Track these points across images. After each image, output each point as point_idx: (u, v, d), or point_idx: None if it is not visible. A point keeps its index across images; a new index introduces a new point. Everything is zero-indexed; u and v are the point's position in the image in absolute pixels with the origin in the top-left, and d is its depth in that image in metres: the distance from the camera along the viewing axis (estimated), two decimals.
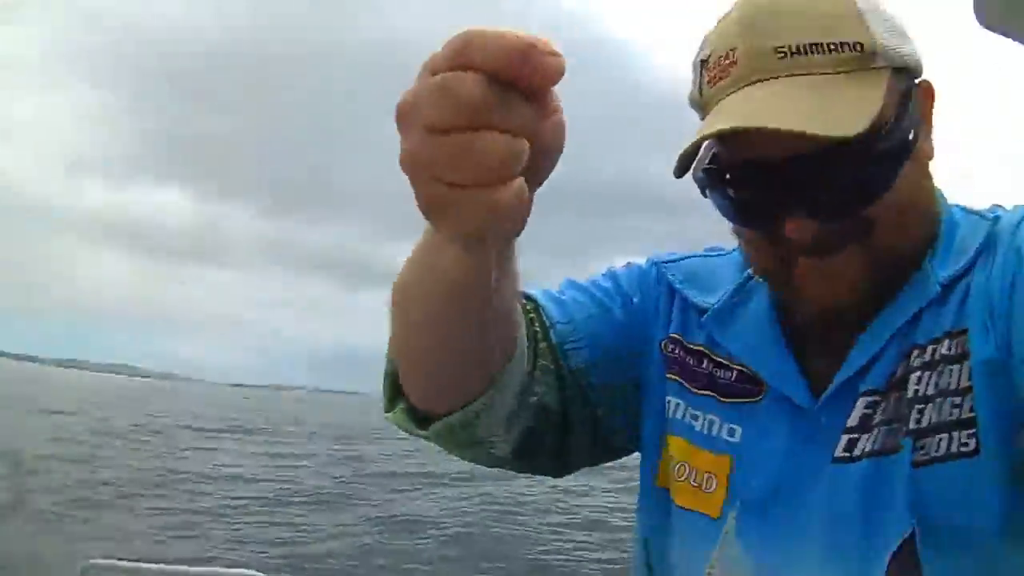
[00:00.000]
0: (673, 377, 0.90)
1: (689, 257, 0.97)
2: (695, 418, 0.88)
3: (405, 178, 0.50)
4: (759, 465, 0.83)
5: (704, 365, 0.89)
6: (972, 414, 0.73)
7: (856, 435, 0.78)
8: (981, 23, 0.45)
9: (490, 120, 0.44)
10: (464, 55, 0.44)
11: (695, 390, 0.89)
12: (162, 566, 2.14)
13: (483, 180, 0.45)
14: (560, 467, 0.94)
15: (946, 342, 0.76)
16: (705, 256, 0.97)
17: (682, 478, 0.88)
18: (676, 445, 0.89)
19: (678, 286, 0.93)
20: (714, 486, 0.85)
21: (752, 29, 0.73)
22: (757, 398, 0.85)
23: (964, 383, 0.74)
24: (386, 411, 0.77)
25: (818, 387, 0.82)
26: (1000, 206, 0.82)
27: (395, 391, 0.76)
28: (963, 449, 0.72)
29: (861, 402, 0.79)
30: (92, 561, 2.05)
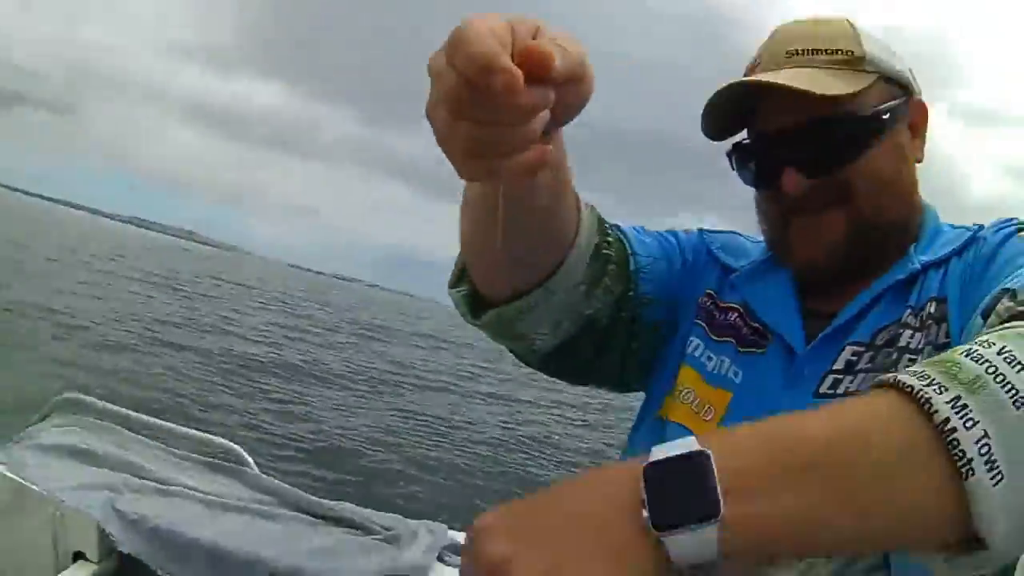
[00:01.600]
0: (700, 323, 1.02)
1: (726, 232, 1.13)
2: (709, 359, 0.98)
3: None
4: (752, 405, 0.91)
5: (729, 317, 1.00)
6: None
7: (840, 376, 0.87)
8: None
9: (469, 114, 0.51)
10: (449, 55, 0.50)
11: (716, 337, 1.00)
12: (133, 413, 2.11)
13: (471, 154, 0.53)
14: (580, 378, 1.07)
15: (932, 304, 0.86)
16: (738, 235, 1.13)
17: (685, 401, 0.97)
18: (687, 374, 0.99)
19: (715, 251, 1.08)
20: (711, 415, 0.93)
21: (773, 41, 0.96)
22: (763, 349, 0.96)
23: (943, 340, 0.83)
24: (450, 287, 0.94)
25: (812, 340, 0.93)
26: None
27: (461, 276, 0.93)
28: None
29: (847, 350, 0.88)
30: (66, 395, 2.04)
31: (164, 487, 1.83)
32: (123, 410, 2.09)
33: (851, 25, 0.94)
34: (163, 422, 2.14)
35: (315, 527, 1.83)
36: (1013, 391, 0.51)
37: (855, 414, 0.52)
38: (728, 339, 0.98)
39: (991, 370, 0.51)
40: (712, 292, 1.04)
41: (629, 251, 0.99)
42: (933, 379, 0.51)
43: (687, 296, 1.05)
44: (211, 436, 2.11)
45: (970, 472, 0.48)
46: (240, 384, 10.94)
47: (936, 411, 0.49)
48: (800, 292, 0.98)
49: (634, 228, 1.05)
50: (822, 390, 0.86)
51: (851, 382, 0.85)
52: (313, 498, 1.95)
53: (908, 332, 0.85)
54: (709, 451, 0.48)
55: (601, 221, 0.96)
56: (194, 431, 2.08)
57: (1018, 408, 0.50)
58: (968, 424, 0.49)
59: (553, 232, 0.86)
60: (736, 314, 1.00)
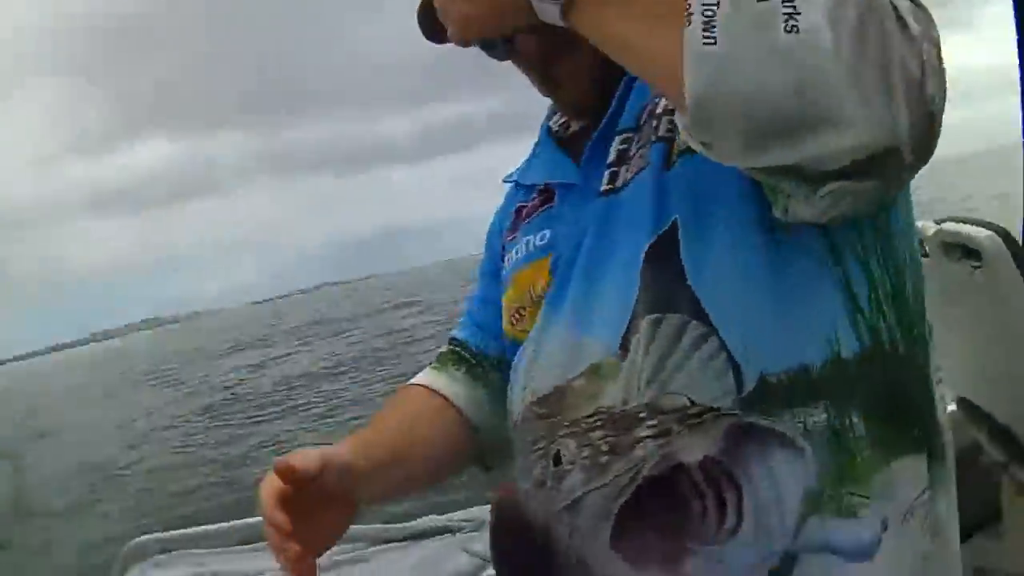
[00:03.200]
0: (503, 252, 1.02)
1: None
2: (516, 253, 0.97)
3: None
4: (567, 247, 0.87)
5: (518, 217, 1.00)
6: None
7: (616, 168, 0.85)
8: None
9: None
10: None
11: (509, 238, 1.00)
12: (191, 530, 2.19)
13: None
14: None
15: None
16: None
17: (514, 320, 0.95)
18: (505, 298, 0.97)
19: (509, 184, 1.07)
20: (540, 289, 0.89)
21: None
22: (553, 202, 0.94)
23: None
24: None
25: None
26: None
27: None
28: None
29: (616, 141, 0.86)
30: (132, 544, 2.11)
31: None
32: (186, 531, 2.19)
33: None
34: (220, 525, 2.22)
35: (404, 548, 1.94)
36: None
37: None
38: (516, 230, 0.99)
39: None
40: (505, 230, 1.04)
41: (474, 350, 1.05)
42: None
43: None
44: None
45: (688, 23, 0.55)
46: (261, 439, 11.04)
47: None
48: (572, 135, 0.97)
49: (467, 315, 1.09)
50: (603, 188, 0.85)
51: (626, 171, 0.83)
52: (391, 525, 2.05)
53: (663, 99, 0.82)
54: None
55: (476, 377, 1.04)
56: (252, 520, 2.13)
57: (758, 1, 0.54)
58: None
59: (453, 466, 1.06)
60: (521, 210, 1.00)
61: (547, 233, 0.93)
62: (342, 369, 17.23)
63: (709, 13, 0.55)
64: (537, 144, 1.04)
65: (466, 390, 1.04)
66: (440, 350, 1.10)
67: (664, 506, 0.74)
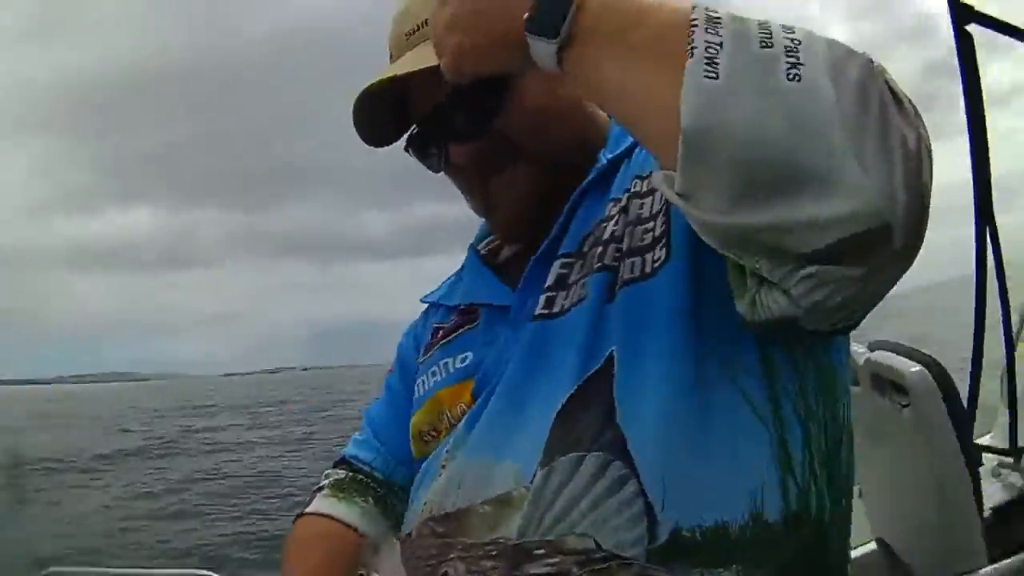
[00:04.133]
0: (416, 373, 0.96)
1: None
2: (432, 375, 0.91)
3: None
4: (493, 370, 0.82)
5: (434, 338, 0.96)
6: (663, 227, 0.74)
7: (553, 293, 0.80)
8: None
9: None
10: None
11: (423, 358, 0.95)
12: (111, 570, 2.17)
13: None
14: None
15: (636, 182, 0.81)
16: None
17: (426, 440, 0.89)
18: (416, 418, 0.91)
19: (428, 303, 1.04)
20: (460, 412, 0.84)
21: (393, 28, 0.89)
22: (475, 323, 0.90)
23: (656, 208, 0.76)
24: None
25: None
26: None
27: None
28: (655, 265, 0.73)
29: (556, 265, 0.82)
30: (54, 569, 2.06)
31: None
32: (97, 570, 2.18)
33: None
34: (140, 570, 2.18)
35: None
36: (767, 35, 0.54)
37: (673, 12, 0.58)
38: (433, 348, 0.94)
39: (762, 24, 0.55)
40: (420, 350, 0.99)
41: (370, 472, 0.99)
42: (716, 13, 0.56)
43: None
44: (187, 571, 2.18)
45: (691, 55, 0.53)
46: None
47: (695, 18, 0.55)
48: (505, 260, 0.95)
49: (358, 437, 1.03)
50: (537, 312, 0.79)
51: (565, 297, 0.78)
52: None
53: (612, 222, 0.79)
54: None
55: (386, 511, 0.96)
56: (171, 571, 2.16)
57: (761, 46, 0.53)
58: (710, 30, 0.54)
59: None
60: (438, 331, 0.95)
61: (469, 355, 0.88)
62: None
63: (712, 51, 0.53)
64: (462, 267, 1.00)
65: (379, 527, 0.95)
66: (336, 472, 1.01)
67: None
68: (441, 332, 0.95)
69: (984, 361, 2.22)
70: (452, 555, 0.73)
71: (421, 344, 0.99)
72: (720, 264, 0.65)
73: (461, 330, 0.91)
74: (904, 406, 1.55)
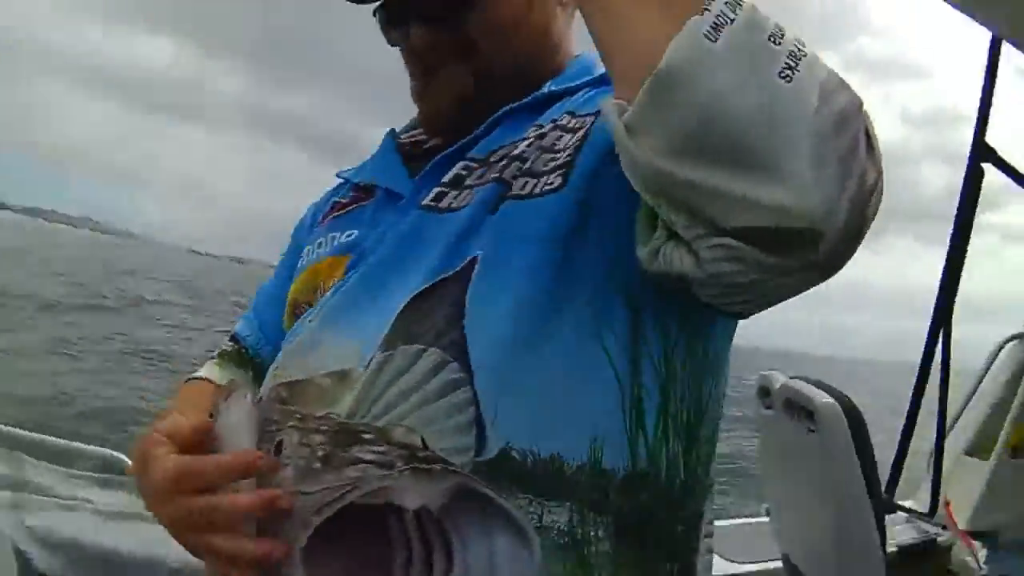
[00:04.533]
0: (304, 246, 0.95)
1: None
2: (318, 246, 0.91)
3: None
4: (368, 250, 0.81)
5: (331, 210, 0.95)
6: (569, 158, 0.73)
7: (446, 190, 0.79)
8: None
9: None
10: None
11: (316, 230, 0.95)
12: (24, 433, 2.21)
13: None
14: None
15: (566, 117, 0.79)
16: None
17: (298, 313, 0.87)
18: (294, 287, 0.90)
19: (341, 178, 1.00)
20: (331, 285, 0.83)
21: None
22: (367, 202, 0.90)
23: (571, 143, 0.75)
24: None
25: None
26: None
27: None
28: (545, 188, 0.72)
29: (458, 165, 0.80)
30: None
31: (65, 502, 1.93)
32: (13, 431, 2.16)
33: None
34: (55, 439, 2.24)
35: None
36: (779, 35, 0.54)
37: None
38: (325, 222, 0.94)
39: (780, 26, 0.55)
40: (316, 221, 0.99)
41: (248, 352, 1.00)
42: None
43: None
44: (93, 448, 2.20)
45: (701, 13, 0.53)
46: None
47: None
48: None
49: (258, 320, 1.02)
50: (425, 202, 0.79)
51: (455, 196, 0.77)
52: None
53: (525, 142, 0.78)
54: None
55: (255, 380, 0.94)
56: (85, 446, 2.26)
57: (768, 39, 0.53)
58: (730, 4, 0.53)
59: None
60: (335, 206, 0.95)
61: (355, 233, 0.87)
62: None
63: (722, 20, 0.53)
64: (378, 148, 0.99)
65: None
66: (226, 345, 1.03)
67: (367, 540, 0.65)
68: (337, 206, 0.95)
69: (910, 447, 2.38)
70: (290, 423, 0.72)
71: (316, 219, 1.00)
72: (615, 220, 0.66)
73: (354, 207, 0.91)
74: (812, 431, 1.59)
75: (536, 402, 0.66)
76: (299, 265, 0.93)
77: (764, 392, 1.81)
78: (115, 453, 2.27)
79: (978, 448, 2.68)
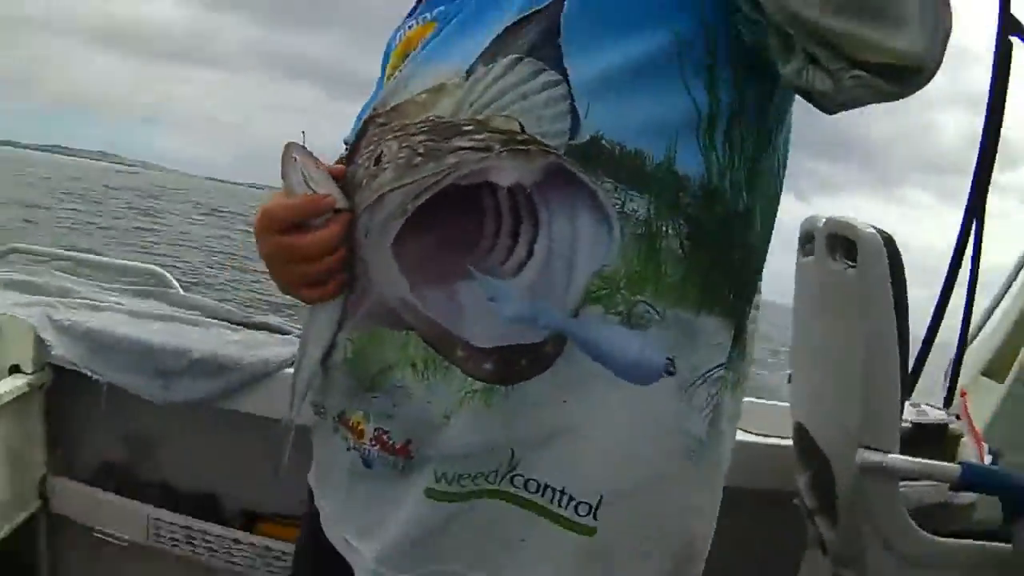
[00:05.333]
0: None
1: None
2: (408, 27, 0.91)
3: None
4: (453, 11, 0.83)
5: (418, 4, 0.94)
6: None
7: None
8: None
9: None
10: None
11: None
12: (64, 251, 2.27)
13: None
14: None
15: None
16: None
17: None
18: (391, 62, 0.91)
19: None
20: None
21: None
22: None
23: None
24: None
25: None
26: None
27: None
28: None
29: None
30: (16, 245, 2.15)
31: (95, 303, 1.99)
32: (57, 250, 2.21)
33: None
34: (92, 256, 2.27)
35: (238, 331, 1.95)
36: None
37: None
38: (416, 9, 0.93)
39: None
40: None
41: None
42: None
43: None
44: (136, 264, 2.26)
45: None
46: None
47: None
48: None
49: None
50: None
51: None
52: (236, 310, 2.08)
53: None
54: None
55: None
56: (120, 261, 2.24)
57: None
58: None
59: None
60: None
61: (441, 8, 0.87)
62: None
63: None
64: None
65: None
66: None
67: (459, 218, 0.72)
68: None
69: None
70: (388, 137, 0.78)
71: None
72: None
73: None
74: (851, 266, 1.58)
75: (624, 107, 0.72)
76: (389, 48, 0.94)
77: (807, 237, 1.79)
78: (158, 268, 2.37)
79: (995, 370, 2.66)
